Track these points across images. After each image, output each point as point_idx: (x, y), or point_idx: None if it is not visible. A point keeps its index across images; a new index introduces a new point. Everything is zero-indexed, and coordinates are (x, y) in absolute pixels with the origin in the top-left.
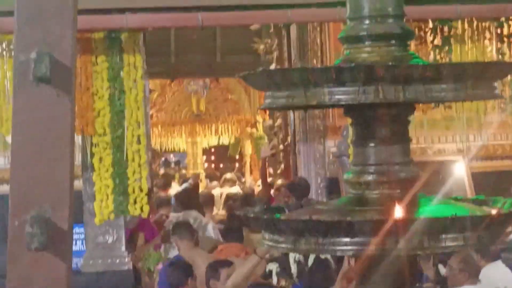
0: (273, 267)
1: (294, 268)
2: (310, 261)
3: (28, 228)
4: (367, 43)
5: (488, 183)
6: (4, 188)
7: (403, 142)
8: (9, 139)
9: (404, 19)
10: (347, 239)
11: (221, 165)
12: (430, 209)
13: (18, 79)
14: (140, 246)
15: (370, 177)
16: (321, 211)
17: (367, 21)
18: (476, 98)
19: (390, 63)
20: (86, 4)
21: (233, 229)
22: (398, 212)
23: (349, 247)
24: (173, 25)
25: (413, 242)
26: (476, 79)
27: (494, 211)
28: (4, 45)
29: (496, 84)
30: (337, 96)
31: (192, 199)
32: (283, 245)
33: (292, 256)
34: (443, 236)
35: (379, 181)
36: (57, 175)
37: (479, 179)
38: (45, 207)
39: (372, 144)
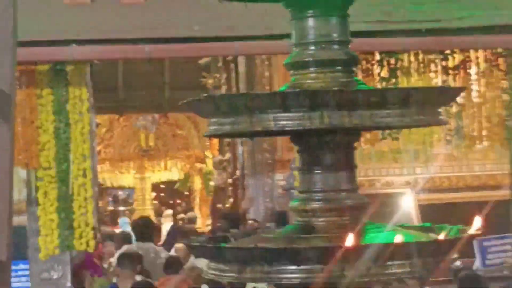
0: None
1: None
2: None
3: None
4: (312, 69)
5: (435, 215)
6: None
7: (349, 168)
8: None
9: (349, 45)
10: (293, 267)
11: (170, 201)
12: (376, 236)
13: None
14: (88, 284)
15: (316, 204)
16: (267, 239)
17: (312, 47)
18: (421, 124)
19: (335, 89)
20: (31, 36)
21: (172, 261)
22: (345, 239)
23: (296, 275)
24: (120, 57)
25: (360, 269)
26: (421, 105)
27: (440, 237)
28: None
29: (441, 110)
30: (282, 122)
31: (149, 230)
32: (229, 274)
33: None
34: (390, 262)
35: (326, 208)
36: None
37: (427, 211)
38: None
39: (318, 171)
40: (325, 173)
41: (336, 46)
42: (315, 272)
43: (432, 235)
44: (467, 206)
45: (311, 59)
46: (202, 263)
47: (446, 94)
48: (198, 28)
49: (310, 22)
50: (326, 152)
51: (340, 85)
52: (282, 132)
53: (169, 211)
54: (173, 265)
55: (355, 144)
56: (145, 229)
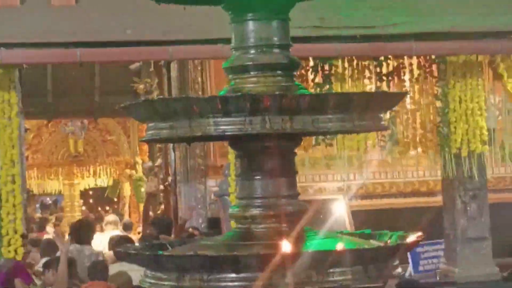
0: None
1: None
2: None
3: None
4: (252, 73)
5: (368, 221)
6: None
7: (289, 175)
8: None
9: (290, 50)
10: (233, 275)
11: (99, 208)
12: (317, 243)
13: None
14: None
15: (256, 211)
16: (206, 246)
17: (252, 51)
18: (363, 130)
19: (277, 93)
20: None
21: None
22: (286, 246)
23: (236, 283)
24: (51, 61)
25: (300, 276)
26: (362, 110)
27: (382, 244)
28: None
29: (382, 116)
30: (222, 127)
31: (86, 232)
32: (166, 283)
33: None
34: (331, 270)
35: (266, 215)
36: None
37: (359, 217)
38: None
39: (258, 177)
40: (265, 179)
41: (277, 50)
42: (255, 280)
43: (373, 242)
44: (400, 212)
45: (251, 63)
46: (127, 267)
47: (389, 99)
48: (131, 32)
49: (251, 25)
50: (266, 158)
51: (281, 89)
52: (222, 137)
53: (111, 217)
54: (98, 270)
55: (295, 150)
56: (82, 231)
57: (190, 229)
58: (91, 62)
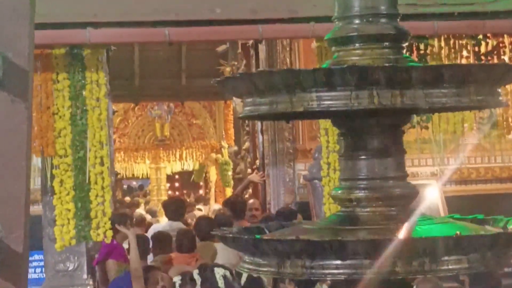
0: (176, 279)
1: (221, 283)
2: (243, 279)
3: None
4: (357, 44)
5: (462, 208)
6: None
7: (397, 154)
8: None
9: (398, 19)
10: (338, 262)
11: (185, 192)
12: (429, 229)
13: None
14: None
15: (361, 193)
16: (308, 230)
17: (357, 21)
18: (481, 105)
19: (386, 65)
20: (46, 18)
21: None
22: (396, 231)
23: (341, 271)
24: (139, 41)
25: (412, 264)
26: (480, 84)
27: (502, 230)
28: None
29: (500, 90)
30: (326, 102)
31: (179, 209)
32: (266, 269)
33: (218, 272)
34: (446, 258)
35: (372, 197)
36: (11, 192)
37: (453, 203)
38: None
39: (363, 157)
40: (371, 159)
41: (384, 20)
42: (362, 268)
43: (489, 228)
44: (496, 198)
45: (356, 33)
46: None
47: (509, 71)
48: (220, 11)
49: None
50: (372, 136)
51: (389, 62)
52: (324, 113)
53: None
54: (185, 242)
55: (404, 128)
56: (175, 207)
57: (251, 200)
58: (179, 42)
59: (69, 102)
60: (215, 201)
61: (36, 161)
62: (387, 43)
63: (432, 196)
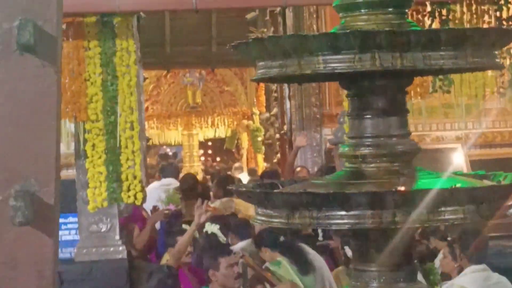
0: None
1: None
2: None
3: (12, 201)
4: (363, 10)
5: (486, 171)
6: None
7: (400, 113)
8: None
9: None
10: (342, 213)
11: (218, 158)
12: (429, 182)
13: (1, 49)
14: (138, 237)
15: (366, 150)
16: (316, 185)
17: None
18: (476, 67)
19: (386, 29)
20: None
21: None
22: (396, 184)
23: (345, 221)
24: (166, 8)
25: (411, 215)
26: (476, 46)
27: (494, 183)
28: None
29: (497, 53)
30: (332, 64)
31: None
32: (277, 220)
33: None
34: (443, 208)
35: (376, 154)
36: (43, 149)
37: (478, 166)
38: (31, 182)
39: (368, 116)
40: (375, 118)
41: None
42: (365, 218)
43: (487, 182)
44: None
45: (361, 0)
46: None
47: (504, 35)
48: None
49: None
50: (376, 96)
51: (392, 27)
52: (331, 76)
53: (238, 164)
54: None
55: (407, 89)
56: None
57: (299, 168)
58: (206, 9)
59: (100, 69)
60: (247, 167)
61: (69, 126)
62: (391, 9)
63: (457, 160)
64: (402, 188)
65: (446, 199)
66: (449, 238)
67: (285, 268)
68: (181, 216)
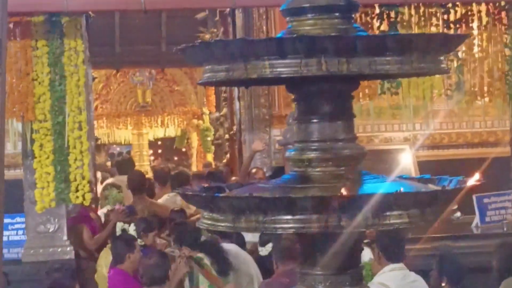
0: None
1: None
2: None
3: None
4: (309, 15)
5: (434, 172)
6: None
7: (347, 118)
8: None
9: None
10: (288, 217)
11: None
12: (374, 186)
13: None
14: (89, 239)
15: (312, 154)
16: (262, 188)
17: None
18: (422, 72)
19: (333, 34)
20: None
21: None
22: (342, 189)
23: (291, 225)
24: (114, 8)
25: (356, 219)
26: (422, 52)
27: (440, 188)
28: None
29: (442, 58)
30: (278, 69)
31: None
32: (223, 224)
33: None
34: (388, 213)
35: (322, 158)
36: None
37: (426, 167)
38: None
39: (315, 120)
40: (321, 122)
41: None
42: (310, 222)
43: (432, 186)
44: (467, 162)
45: (308, 5)
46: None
47: (449, 41)
48: None
49: None
50: (323, 101)
51: (338, 31)
52: (278, 80)
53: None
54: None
55: (353, 93)
56: (181, 180)
57: (254, 170)
58: (154, 10)
59: (48, 69)
60: (196, 166)
61: (17, 125)
62: (337, 14)
63: (405, 161)
64: (347, 193)
65: (391, 204)
66: (367, 240)
67: (206, 264)
68: (136, 212)
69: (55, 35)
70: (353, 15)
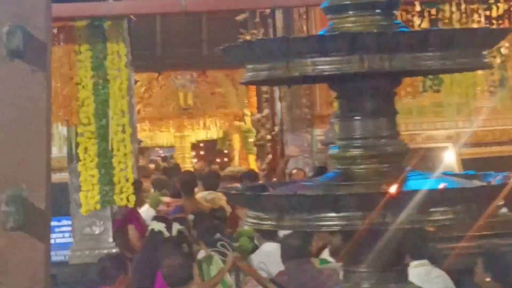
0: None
1: None
2: None
3: (4, 207)
4: (351, 12)
5: (478, 169)
6: None
7: (389, 114)
8: None
9: None
10: (332, 214)
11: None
12: (419, 183)
13: None
14: (137, 240)
15: (356, 151)
16: (306, 186)
17: None
18: (465, 67)
19: (375, 31)
20: None
21: None
22: (386, 186)
23: (335, 222)
24: (156, 12)
25: (401, 216)
26: (464, 47)
27: (484, 184)
28: None
29: (485, 53)
30: (320, 67)
31: (215, 180)
32: (267, 222)
33: None
34: (433, 209)
35: (366, 155)
36: (33, 154)
37: (469, 165)
38: (22, 187)
39: (357, 117)
40: (364, 119)
41: None
42: (355, 219)
43: (477, 182)
44: (511, 159)
45: (349, 2)
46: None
47: (492, 35)
48: None
49: None
50: (365, 98)
51: (380, 28)
52: (320, 78)
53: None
54: None
55: (395, 90)
56: (212, 179)
57: (295, 170)
58: (195, 12)
59: (91, 73)
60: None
61: (61, 129)
62: (378, 10)
63: (448, 159)
64: (392, 189)
65: (436, 200)
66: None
67: (216, 263)
68: (184, 212)
69: (98, 39)
70: (394, 12)
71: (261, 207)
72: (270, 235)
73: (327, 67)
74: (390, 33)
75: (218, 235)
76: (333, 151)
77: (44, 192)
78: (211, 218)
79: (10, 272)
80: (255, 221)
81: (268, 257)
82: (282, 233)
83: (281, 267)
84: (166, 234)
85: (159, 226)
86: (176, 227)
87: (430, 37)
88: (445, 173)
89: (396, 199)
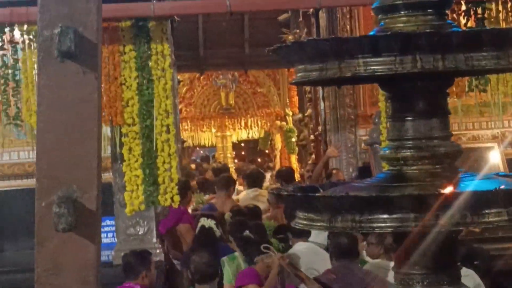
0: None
1: None
2: None
3: (55, 208)
4: (402, 12)
5: None
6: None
7: (442, 115)
8: None
9: None
10: (385, 216)
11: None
12: (472, 184)
13: (42, 56)
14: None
15: (408, 152)
16: (358, 188)
17: None
18: None
19: (427, 31)
20: None
21: None
22: (440, 187)
23: (388, 224)
24: (201, 12)
25: (455, 217)
26: None
27: None
28: (32, 36)
29: None
30: (372, 67)
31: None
32: (319, 224)
33: None
34: (486, 211)
35: (418, 156)
36: (84, 155)
37: None
38: (73, 188)
39: (409, 118)
40: (416, 120)
41: None
42: (408, 221)
43: None
44: None
45: (401, 1)
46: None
47: None
48: None
49: None
50: (417, 98)
51: (432, 28)
52: (371, 78)
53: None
54: None
55: (448, 90)
56: (257, 177)
57: (334, 171)
58: (240, 12)
59: (135, 73)
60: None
61: (106, 130)
62: (430, 10)
63: (493, 159)
64: (445, 191)
65: (490, 201)
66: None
67: (238, 263)
68: (216, 209)
69: (142, 40)
70: (446, 11)
71: (313, 208)
72: (301, 235)
73: (379, 67)
74: (443, 32)
75: (246, 232)
76: (384, 152)
77: (95, 193)
78: (241, 215)
79: (61, 274)
80: (306, 222)
81: (300, 256)
82: (314, 233)
83: (313, 266)
84: (217, 230)
85: (209, 223)
86: (202, 222)
87: (484, 37)
88: (497, 174)
89: (450, 200)
